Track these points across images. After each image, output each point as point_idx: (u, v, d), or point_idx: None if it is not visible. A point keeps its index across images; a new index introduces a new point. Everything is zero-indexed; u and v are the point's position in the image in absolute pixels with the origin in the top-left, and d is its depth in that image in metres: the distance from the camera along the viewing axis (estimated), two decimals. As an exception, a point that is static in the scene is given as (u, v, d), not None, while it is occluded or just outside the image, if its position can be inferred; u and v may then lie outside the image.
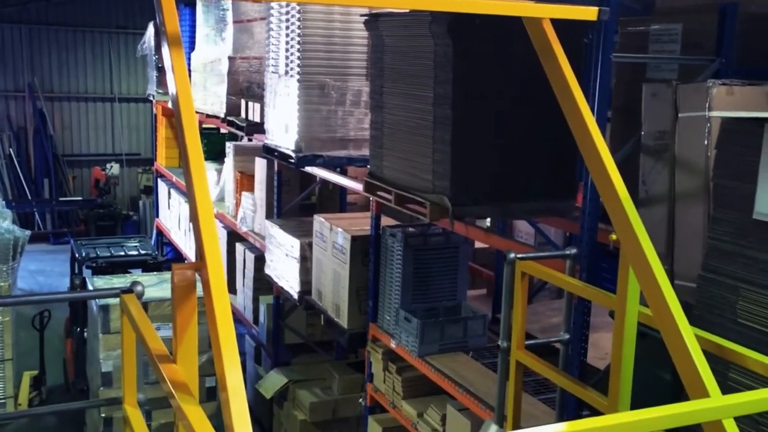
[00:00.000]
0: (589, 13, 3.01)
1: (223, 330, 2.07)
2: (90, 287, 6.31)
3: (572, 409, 3.92)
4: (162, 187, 12.99)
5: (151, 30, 12.31)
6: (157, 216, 13.52)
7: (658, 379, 3.12)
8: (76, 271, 9.24)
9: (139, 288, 2.90)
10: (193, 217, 2.25)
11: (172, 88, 2.46)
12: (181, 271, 2.22)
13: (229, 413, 1.94)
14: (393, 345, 5.64)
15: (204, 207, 2.23)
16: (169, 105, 11.43)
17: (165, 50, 2.48)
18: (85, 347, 7.11)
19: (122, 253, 9.62)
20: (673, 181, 3.52)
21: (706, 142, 3.34)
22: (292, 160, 6.50)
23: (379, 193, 5.35)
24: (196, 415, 1.98)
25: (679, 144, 3.48)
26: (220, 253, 2.20)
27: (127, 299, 2.79)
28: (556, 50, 3.01)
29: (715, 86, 3.34)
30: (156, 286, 6.10)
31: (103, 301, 6.12)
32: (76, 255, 9.51)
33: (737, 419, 2.37)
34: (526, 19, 3.09)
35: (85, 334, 6.82)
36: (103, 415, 5.76)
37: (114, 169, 16.72)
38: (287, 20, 6.58)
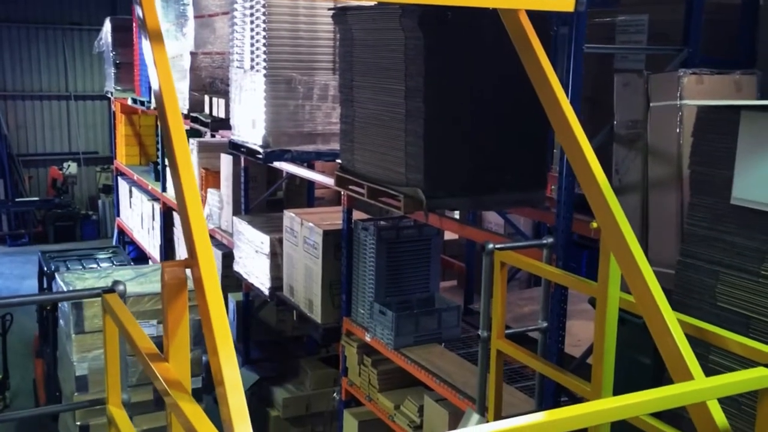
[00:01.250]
0: (566, 3, 3.04)
1: (218, 325, 2.05)
2: (61, 284, 5.87)
3: (550, 396, 3.97)
4: (123, 186, 12.80)
5: (107, 26, 12.09)
6: (118, 215, 13.32)
7: (638, 364, 3.18)
8: (45, 286, 8.26)
9: (121, 287, 2.86)
10: (183, 215, 2.22)
11: (155, 84, 2.43)
12: (172, 268, 2.20)
13: (227, 407, 1.93)
14: (368, 338, 5.65)
15: (193, 204, 2.21)
16: (129, 102, 11.26)
17: (147, 46, 2.45)
18: (57, 371, 6.52)
19: (94, 266, 9.03)
20: (646, 170, 3.58)
21: (678, 131, 3.41)
22: (260, 156, 6.45)
23: (351, 187, 5.35)
24: (194, 412, 1.96)
25: (651, 133, 3.54)
26: (211, 250, 2.19)
27: (110, 299, 2.75)
28: (533, 41, 3.04)
29: (686, 75, 3.41)
30: (133, 281, 5.82)
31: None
32: (45, 269, 8.58)
33: (720, 400, 2.43)
34: (501, 10, 3.11)
35: (58, 353, 6.38)
36: (78, 423, 5.41)
37: (71, 168, 16.42)
38: (252, 14, 6.52)
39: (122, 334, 2.60)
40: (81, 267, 8.74)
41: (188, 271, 2.25)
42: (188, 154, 2.30)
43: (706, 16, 4.08)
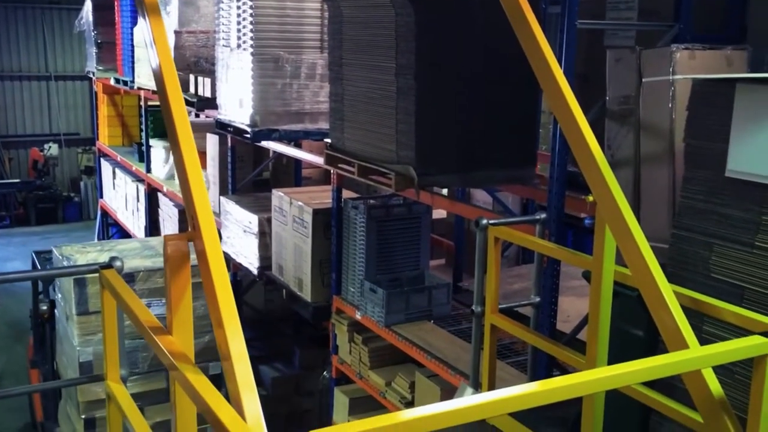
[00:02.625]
0: (562, -22, 3.05)
1: (223, 298, 2.06)
2: (59, 257, 5.26)
3: (543, 369, 4.02)
4: (105, 167, 12.68)
5: (88, 5, 11.92)
6: (101, 197, 13.21)
7: (631, 337, 3.22)
8: (41, 290, 7.06)
9: (118, 263, 2.85)
10: (185, 189, 2.22)
11: (154, 62, 2.41)
12: (174, 242, 2.20)
13: (234, 381, 1.94)
14: (358, 316, 5.68)
15: (195, 177, 2.21)
16: (112, 82, 11.15)
17: (145, 24, 2.43)
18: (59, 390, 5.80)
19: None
20: (639, 145, 3.61)
21: (670, 106, 3.44)
22: (248, 135, 6.42)
23: (340, 165, 5.35)
24: (200, 382, 1.97)
25: (643, 108, 3.57)
26: (214, 222, 2.19)
27: (108, 274, 2.75)
28: (529, 17, 3.05)
29: (679, 51, 3.43)
30: (140, 254, 5.30)
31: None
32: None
33: (714, 370, 2.48)
34: (497, -14, 3.11)
35: (56, 365, 5.81)
36: (83, 416, 4.90)
37: (52, 149, 16.28)
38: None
39: (123, 309, 2.60)
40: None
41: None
42: (189, 131, 2.30)
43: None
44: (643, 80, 3.54)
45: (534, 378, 4.01)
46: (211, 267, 2.10)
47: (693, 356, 2.29)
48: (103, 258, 5.13)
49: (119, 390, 2.81)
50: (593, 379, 2.19)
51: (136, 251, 5.49)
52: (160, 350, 2.19)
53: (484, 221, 3.63)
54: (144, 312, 2.39)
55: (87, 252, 5.48)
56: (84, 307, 4.98)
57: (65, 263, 5.25)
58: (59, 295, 5.59)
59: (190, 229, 2.21)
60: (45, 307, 6.10)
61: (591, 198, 2.93)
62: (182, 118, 2.27)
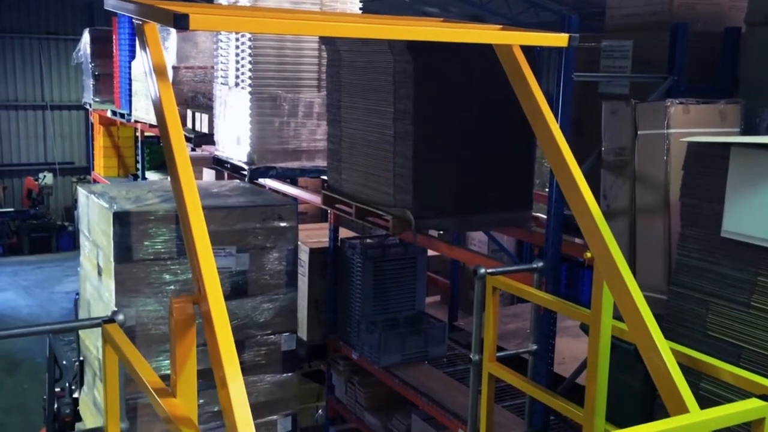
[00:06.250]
0: (560, 39, 3.11)
1: (228, 360, 2.07)
2: (83, 196, 4.46)
3: (540, 417, 4.03)
4: (101, 198, 12.68)
5: (86, 37, 12.01)
6: (96, 227, 13.20)
7: (629, 388, 3.25)
8: (57, 376, 5.92)
9: (120, 317, 2.86)
10: (191, 251, 2.25)
11: (154, 94, 2.46)
12: (180, 305, 2.22)
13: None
14: (355, 356, 5.68)
15: (201, 241, 2.24)
16: (109, 114, 11.21)
17: (146, 56, 2.48)
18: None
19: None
20: (634, 196, 3.66)
21: (665, 158, 3.49)
22: (245, 173, 6.46)
23: (337, 205, 5.39)
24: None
25: (639, 160, 3.62)
26: (219, 285, 2.21)
27: (110, 329, 2.76)
28: (527, 74, 3.11)
29: (673, 105, 3.49)
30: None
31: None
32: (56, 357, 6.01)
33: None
34: (496, 45, 3.18)
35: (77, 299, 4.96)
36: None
37: (47, 178, 16.29)
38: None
39: (125, 366, 2.61)
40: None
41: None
42: (195, 189, 2.32)
43: (689, 44, 4.18)
44: (639, 133, 3.60)
45: (531, 424, 4.02)
46: (215, 329, 2.12)
47: (693, 421, 2.32)
48: (132, 196, 4.47)
49: (119, 445, 2.81)
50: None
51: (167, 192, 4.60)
52: (163, 412, 2.20)
53: (482, 270, 3.66)
54: (147, 371, 2.40)
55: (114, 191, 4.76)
56: (125, 254, 4.08)
57: (94, 198, 4.52)
58: (87, 242, 4.70)
59: (195, 292, 2.23)
60: (68, 410, 5.13)
61: (589, 254, 2.97)
62: (188, 177, 2.30)
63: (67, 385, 5.49)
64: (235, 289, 4.73)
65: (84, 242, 4.81)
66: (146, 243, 4.27)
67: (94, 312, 4.68)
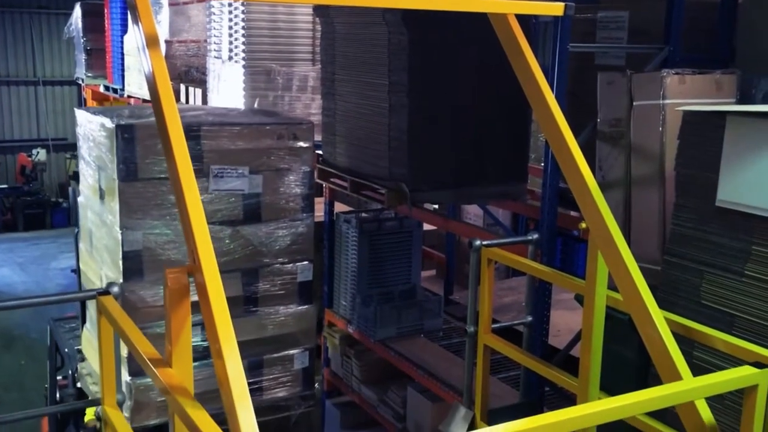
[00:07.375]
0: (555, 8, 3.09)
1: (223, 332, 2.07)
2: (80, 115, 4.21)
3: (535, 387, 4.06)
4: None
5: (77, 11, 11.90)
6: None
7: (623, 358, 3.26)
8: (59, 364, 5.65)
9: (115, 289, 2.86)
10: (184, 221, 2.24)
11: (147, 69, 2.44)
12: (175, 275, 2.22)
13: (235, 418, 1.95)
14: (350, 330, 5.70)
15: (195, 210, 2.23)
16: (101, 89, 11.14)
17: (138, 30, 2.46)
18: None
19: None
20: (629, 167, 3.66)
21: (661, 129, 3.49)
22: (240, 147, 6.43)
23: (332, 179, 5.38)
24: (200, 416, 1.99)
25: (634, 131, 3.62)
26: (213, 255, 2.20)
27: (105, 301, 2.76)
28: (522, 44, 3.08)
29: (669, 76, 3.48)
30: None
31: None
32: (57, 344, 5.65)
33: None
34: (491, 14, 3.15)
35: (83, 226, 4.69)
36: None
37: (41, 155, 16.23)
38: (230, 5, 6.49)
39: (121, 338, 2.61)
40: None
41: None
42: (188, 161, 2.30)
43: (685, 14, 4.16)
44: (634, 104, 3.59)
45: (526, 395, 4.05)
46: (210, 300, 2.12)
47: (686, 388, 2.33)
48: (135, 114, 4.12)
49: (116, 416, 2.82)
50: (586, 414, 2.19)
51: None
52: (160, 382, 2.20)
53: (478, 242, 3.66)
54: (143, 342, 2.41)
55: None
56: (130, 171, 3.77)
57: (95, 117, 4.26)
58: (88, 168, 4.44)
59: (189, 262, 2.23)
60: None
61: (584, 225, 2.97)
62: (182, 152, 2.29)
63: (70, 373, 5.23)
64: (249, 214, 4.44)
65: (84, 169, 4.51)
66: (152, 160, 3.93)
67: (96, 241, 4.45)
